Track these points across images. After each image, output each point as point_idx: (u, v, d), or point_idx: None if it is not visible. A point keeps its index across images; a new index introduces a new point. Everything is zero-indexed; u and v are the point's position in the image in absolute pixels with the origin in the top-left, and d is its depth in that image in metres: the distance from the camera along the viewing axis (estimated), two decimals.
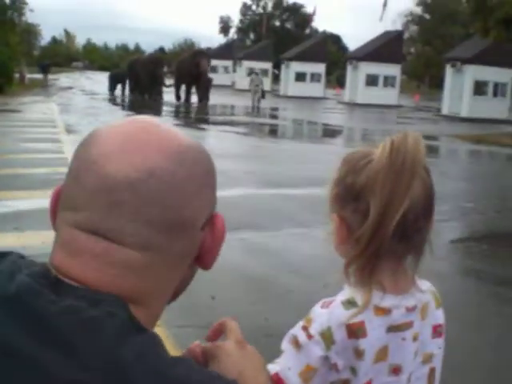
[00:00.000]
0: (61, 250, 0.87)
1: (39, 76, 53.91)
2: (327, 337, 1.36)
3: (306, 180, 11.89)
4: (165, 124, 0.95)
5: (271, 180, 12.23)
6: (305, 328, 1.39)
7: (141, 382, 0.76)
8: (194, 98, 40.16)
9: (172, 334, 4.79)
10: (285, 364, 1.40)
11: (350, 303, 1.38)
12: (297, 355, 1.38)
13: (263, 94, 37.88)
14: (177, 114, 32.38)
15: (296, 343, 1.39)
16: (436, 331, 1.50)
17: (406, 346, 1.42)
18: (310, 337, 1.37)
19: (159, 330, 4.88)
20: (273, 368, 1.41)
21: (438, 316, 1.52)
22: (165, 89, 41.61)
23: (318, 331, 1.36)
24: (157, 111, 30.30)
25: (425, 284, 1.51)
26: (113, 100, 39.55)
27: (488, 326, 5.48)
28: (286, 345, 1.42)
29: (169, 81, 43.59)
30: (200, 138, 20.80)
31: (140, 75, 41.40)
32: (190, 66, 39.78)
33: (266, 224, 8.55)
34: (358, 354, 1.36)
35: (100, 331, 0.77)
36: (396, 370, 1.41)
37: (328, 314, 1.38)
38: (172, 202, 0.86)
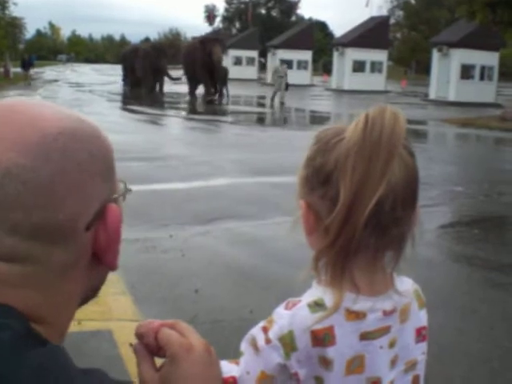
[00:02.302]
0: None
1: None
2: (287, 343, 1.17)
3: (293, 168, 11.69)
4: (37, 106, 0.78)
5: (257, 168, 12.09)
6: (265, 330, 1.21)
7: None
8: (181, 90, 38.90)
9: None
10: (244, 368, 1.23)
11: (317, 305, 1.19)
12: (256, 358, 1.21)
13: (287, 87, 32.94)
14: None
15: (255, 346, 1.21)
16: (420, 334, 1.31)
17: (383, 354, 1.23)
18: (268, 341, 1.19)
19: None
20: (231, 369, 1.24)
21: (422, 317, 1.33)
22: (170, 82, 38.80)
23: (277, 335, 1.18)
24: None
25: (406, 282, 1.32)
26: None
27: (479, 312, 5.37)
28: (245, 346, 1.24)
29: (176, 73, 40.75)
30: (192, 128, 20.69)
31: (140, 66, 38.38)
32: (202, 56, 34.68)
33: (252, 213, 8.40)
34: (325, 363, 1.18)
35: None
36: None
37: (290, 316, 1.19)
38: (37, 205, 0.72)
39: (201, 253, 6.63)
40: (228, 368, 1.25)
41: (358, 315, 1.19)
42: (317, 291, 1.22)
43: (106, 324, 4.67)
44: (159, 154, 13.32)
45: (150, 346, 0.93)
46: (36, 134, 0.73)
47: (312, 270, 1.21)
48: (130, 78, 41.78)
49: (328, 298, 1.18)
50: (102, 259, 0.81)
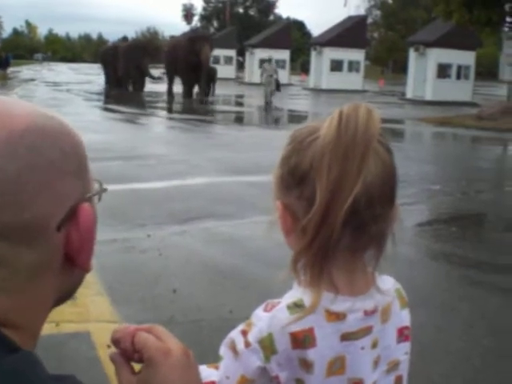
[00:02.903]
0: None
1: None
2: (267, 345, 1.15)
3: (271, 167, 11.73)
4: (5, 103, 0.76)
5: (234, 167, 12.06)
6: (244, 333, 1.18)
7: None
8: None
9: None
10: (224, 372, 1.20)
11: (296, 306, 1.16)
12: (234, 363, 1.18)
13: (278, 86, 31.02)
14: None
15: (234, 349, 1.19)
16: (402, 334, 1.29)
17: (364, 355, 1.21)
18: (247, 344, 1.17)
19: (118, 326, 4.70)
20: (210, 374, 1.22)
21: (404, 317, 1.31)
22: (150, 81, 37.54)
23: (256, 338, 1.16)
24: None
25: (388, 281, 1.29)
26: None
27: (459, 309, 5.38)
28: (224, 350, 1.22)
29: (157, 72, 39.81)
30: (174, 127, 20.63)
31: (120, 64, 37.16)
32: (187, 54, 32.83)
33: (230, 212, 8.36)
34: (306, 366, 1.15)
35: None
36: None
37: (269, 318, 1.17)
38: (4, 204, 0.69)
39: (178, 252, 6.60)
40: (207, 373, 1.23)
41: (338, 316, 1.17)
42: (297, 292, 1.19)
43: (84, 326, 4.63)
44: (137, 153, 13.25)
45: (127, 352, 0.91)
46: (2, 130, 0.71)
47: (291, 272, 1.18)
48: (110, 77, 40.95)
49: (307, 299, 1.16)
50: (74, 260, 0.78)
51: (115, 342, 0.92)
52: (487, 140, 20.29)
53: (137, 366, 0.91)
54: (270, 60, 32.80)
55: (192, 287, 5.59)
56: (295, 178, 1.15)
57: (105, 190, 0.87)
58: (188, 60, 32.87)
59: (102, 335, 4.38)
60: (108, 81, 41.45)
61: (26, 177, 0.70)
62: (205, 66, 33.35)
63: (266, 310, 1.19)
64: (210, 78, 34.87)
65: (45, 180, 0.72)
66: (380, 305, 1.23)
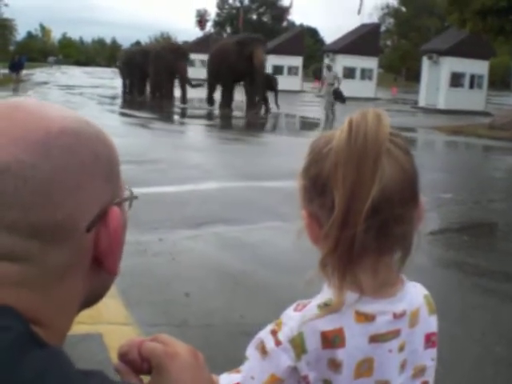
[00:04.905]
0: None
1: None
2: (298, 344, 1.17)
3: (283, 173, 11.77)
4: (42, 105, 0.78)
5: (247, 173, 12.06)
6: (274, 332, 1.20)
7: None
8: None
9: (144, 332, 4.61)
10: (248, 372, 1.22)
11: (326, 306, 1.18)
12: (262, 363, 1.20)
13: (340, 97, 26.67)
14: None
15: (262, 349, 1.20)
16: (429, 340, 1.30)
17: (392, 358, 1.22)
18: (278, 343, 1.18)
19: (131, 329, 4.73)
20: (233, 378, 1.23)
21: (432, 323, 1.32)
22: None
23: (287, 337, 1.18)
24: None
25: (416, 287, 1.32)
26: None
27: (471, 318, 5.37)
28: (251, 351, 1.23)
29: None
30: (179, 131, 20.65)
31: (151, 69, 33.13)
32: (237, 59, 28.35)
33: (242, 217, 8.37)
34: (335, 366, 1.17)
35: None
36: None
37: (300, 317, 1.19)
38: (35, 203, 0.70)
39: (191, 257, 6.61)
40: (228, 379, 1.24)
41: (367, 317, 1.19)
42: (327, 293, 1.21)
43: (96, 327, 4.63)
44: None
45: (135, 363, 0.92)
46: (39, 131, 0.73)
47: (320, 274, 1.20)
48: (136, 84, 37.22)
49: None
50: (103, 263, 0.79)
51: (123, 355, 0.92)
52: (499, 149, 20.22)
53: (145, 380, 0.92)
54: (329, 67, 29.50)
55: (204, 291, 5.60)
56: (316, 188, 1.19)
57: (135, 198, 0.89)
58: (236, 65, 28.52)
59: (114, 337, 4.40)
60: (130, 87, 38.29)
61: (58, 177, 0.72)
62: (259, 72, 28.48)
63: (296, 310, 1.21)
64: (269, 87, 29.62)
65: (76, 181, 0.73)
66: (409, 309, 1.24)
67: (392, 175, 1.12)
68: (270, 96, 29.47)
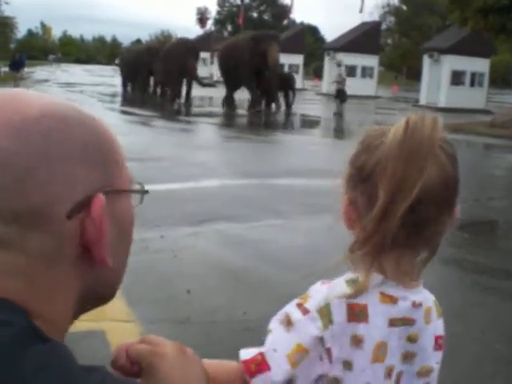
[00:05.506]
0: None
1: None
2: (325, 314, 1.20)
3: (285, 170, 11.81)
4: (23, 93, 0.78)
5: (249, 170, 12.07)
6: (300, 305, 1.23)
7: None
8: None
9: (146, 330, 4.63)
10: (271, 345, 1.23)
11: (354, 282, 1.23)
12: (287, 335, 1.22)
13: (341, 95, 26.87)
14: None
15: (288, 322, 1.23)
16: (437, 343, 1.34)
17: (399, 344, 1.26)
18: (305, 312, 1.21)
19: (133, 325, 4.74)
20: (250, 352, 1.24)
21: (439, 326, 1.36)
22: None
23: (315, 307, 1.21)
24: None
25: (426, 291, 1.36)
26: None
27: (471, 316, 5.39)
28: (274, 324, 1.25)
29: (208, 77, 33.81)
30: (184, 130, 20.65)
31: (159, 67, 31.98)
32: (250, 56, 27.40)
33: (243, 215, 8.39)
34: (356, 341, 1.20)
35: None
36: (390, 373, 1.25)
37: (328, 289, 1.23)
38: (16, 188, 0.70)
39: (192, 254, 6.63)
40: (245, 352, 1.25)
41: (392, 299, 1.23)
42: (352, 275, 1.25)
43: (98, 324, 4.65)
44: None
45: (125, 368, 0.93)
46: (18, 116, 0.72)
47: (346, 259, 1.25)
48: (142, 83, 36.45)
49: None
50: (91, 253, 0.77)
51: (113, 362, 0.94)
52: (500, 147, 20.23)
53: None
54: (339, 64, 29.19)
55: (206, 288, 5.62)
56: (362, 175, 1.23)
57: (146, 193, 0.90)
58: (251, 62, 27.62)
59: (116, 334, 4.42)
60: (132, 85, 37.74)
61: (38, 163, 0.71)
62: (273, 71, 27.83)
63: (323, 283, 1.26)
64: (286, 86, 29.18)
65: (56, 167, 0.72)
66: (424, 303, 1.29)
67: (435, 179, 1.17)
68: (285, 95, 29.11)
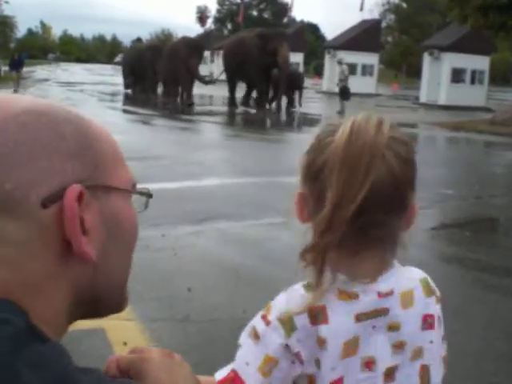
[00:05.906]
0: None
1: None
2: (286, 321, 1.20)
3: (285, 169, 11.79)
4: (9, 94, 0.82)
5: (249, 169, 12.08)
6: (264, 316, 1.24)
7: None
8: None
9: (147, 328, 4.64)
10: (242, 359, 1.24)
11: (310, 286, 1.22)
12: (255, 348, 1.22)
13: (345, 93, 26.70)
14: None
15: (255, 334, 1.23)
16: (426, 322, 1.31)
17: (378, 334, 1.24)
18: (268, 323, 1.22)
19: (133, 324, 4.74)
20: (223, 372, 1.26)
21: (429, 305, 1.33)
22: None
23: (275, 316, 1.21)
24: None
25: (412, 271, 1.35)
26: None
27: (472, 313, 5.39)
28: (244, 339, 1.26)
29: (209, 75, 32.77)
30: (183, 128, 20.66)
31: (162, 66, 31.62)
32: (259, 54, 26.79)
33: (244, 213, 8.40)
34: (321, 342, 1.20)
35: None
36: (369, 364, 1.24)
37: (287, 297, 1.24)
38: None
39: (193, 252, 6.64)
40: (222, 371, 1.27)
41: (350, 295, 1.22)
42: (310, 278, 1.24)
43: (99, 323, 4.64)
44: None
45: (116, 378, 0.93)
46: (1, 112, 0.75)
47: (299, 263, 1.23)
48: (146, 82, 35.96)
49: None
50: (70, 244, 0.76)
51: (104, 374, 0.94)
52: (500, 145, 20.23)
53: None
54: (340, 62, 28.87)
55: (206, 287, 5.62)
56: (310, 172, 1.23)
57: (150, 196, 0.91)
58: (259, 61, 27.04)
59: (117, 333, 4.42)
60: (134, 84, 37.34)
61: (10, 149, 0.72)
62: (285, 70, 27.23)
63: (284, 292, 1.26)
64: (294, 85, 28.65)
65: (28, 155, 0.73)
66: (397, 288, 1.26)
67: (383, 180, 1.15)
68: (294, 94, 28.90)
